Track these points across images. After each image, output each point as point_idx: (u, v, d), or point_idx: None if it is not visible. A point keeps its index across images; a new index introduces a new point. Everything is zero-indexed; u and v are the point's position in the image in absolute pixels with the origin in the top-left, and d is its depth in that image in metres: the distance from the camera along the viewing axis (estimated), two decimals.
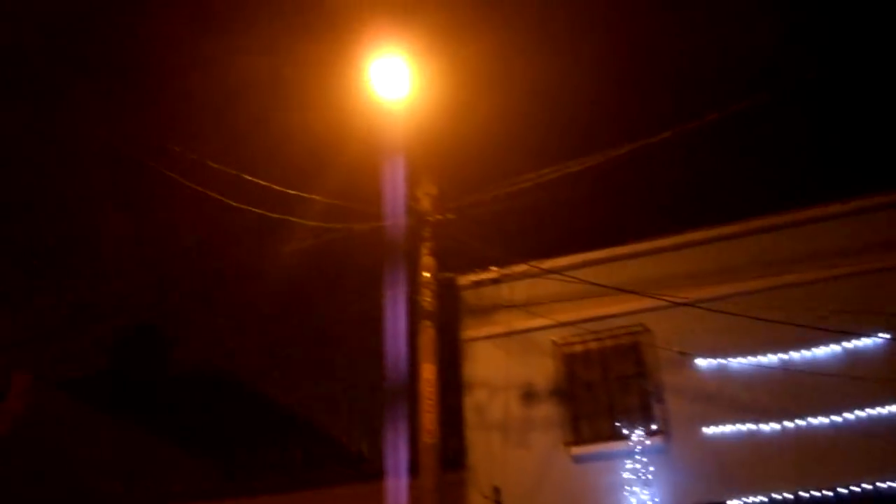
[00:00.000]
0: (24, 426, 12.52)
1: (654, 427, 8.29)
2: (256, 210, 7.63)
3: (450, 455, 8.55)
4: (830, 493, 7.48)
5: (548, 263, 9.21)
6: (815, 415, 7.92)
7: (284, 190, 7.80)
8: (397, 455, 9.13)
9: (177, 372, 18.09)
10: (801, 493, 7.57)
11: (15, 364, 13.22)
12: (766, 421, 8.04)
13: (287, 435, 12.70)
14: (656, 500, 7.85)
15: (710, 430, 8.19)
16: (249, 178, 7.52)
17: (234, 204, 7.52)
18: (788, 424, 7.98)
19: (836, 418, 7.84)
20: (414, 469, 7.70)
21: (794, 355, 8.28)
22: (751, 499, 7.68)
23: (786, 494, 7.62)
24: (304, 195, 7.89)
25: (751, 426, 8.09)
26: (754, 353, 8.38)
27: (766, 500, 7.65)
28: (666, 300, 8.53)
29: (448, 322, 9.55)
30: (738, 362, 8.40)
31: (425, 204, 9.01)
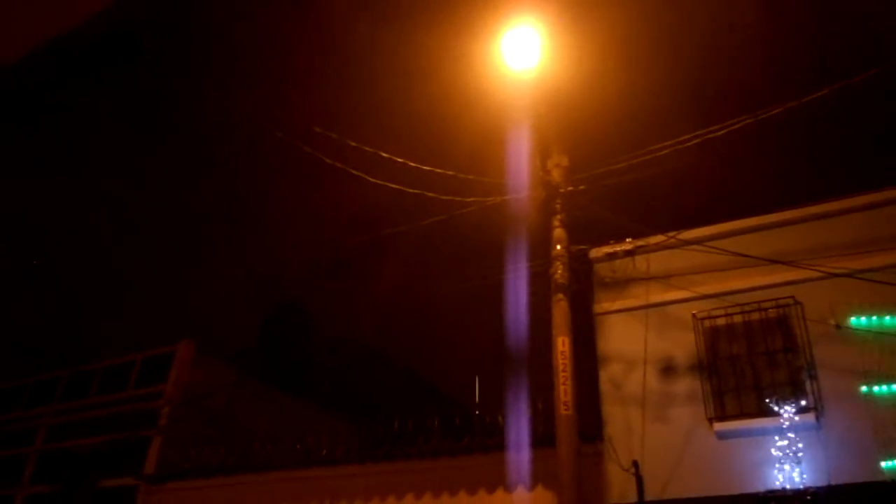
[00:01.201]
0: (190, 392, 13.76)
1: (804, 403, 7.84)
2: (393, 185, 7.88)
3: (586, 428, 8.54)
4: None
5: (687, 234, 8.89)
6: None
7: (419, 166, 8.00)
8: (532, 426, 9.23)
9: (320, 343, 19.15)
10: None
11: (180, 334, 14.50)
12: None
13: (425, 404, 13.13)
14: (806, 477, 7.45)
15: (865, 397, 7.61)
16: (386, 155, 7.76)
17: (373, 180, 7.80)
18: None
19: None
20: (550, 441, 7.75)
21: None
22: None
23: None
24: (437, 170, 8.05)
25: None
26: None
27: None
28: (819, 270, 8.01)
29: (581, 295, 9.47)
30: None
31: (556, 175, 8.93)
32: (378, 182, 7.80)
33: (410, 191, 7.96)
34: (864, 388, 7.71)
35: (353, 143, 7.55)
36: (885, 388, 7.65)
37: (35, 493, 14.42)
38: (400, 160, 7.72)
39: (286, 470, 11.15)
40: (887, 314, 7.87)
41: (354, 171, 7.65)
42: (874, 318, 7.92)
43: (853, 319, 8.00)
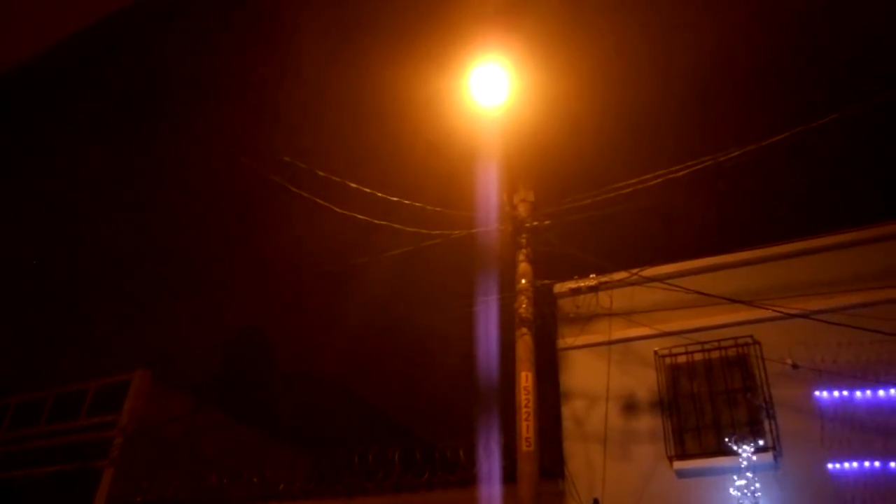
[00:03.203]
0: (145, 423, 13.39)
1: (762, 443, 7.91)
2: (360, 216, 7.85)
3: (547, 464, 8.49)
4: None
5: (650, 271, 8.99)
6: None
7: (386, 196, 8.00)
8: (493, 462, 9.15)
9: (281, 374, 18.84)
10: None
11: (136, 362, 14.15)
12: (892, 455, 7.48)
13: (385, 438, 12.94)
14: None
15: (828, 461, 7.69)
16: (354, 185, 7.75)
17: (340, 210, 7.77)
18: None
19: None
20: (511, 477, 7.67)
21: None
22: None
23: None
24: (404, 201, 8.05)
25: (873, 462, 7.52)
26: (875, 371, 7.83)
27: None
28: (778, 311, 8.14)
29: (544, 330, 9.49)
30: (860, 389, 7.86)
31: (522, 210, 9.01)
32: (345, 213, 7.77)
33: (377, 222, 7.94)
34: (821, 457, 7.75)
35: (322, 173, 7.53)
36: (844, 458, 7.69)
37: None
38: (367, 190, 7.72)
39: None
40: (844, 369, 7.98)
41: (321, 202, 7.61)
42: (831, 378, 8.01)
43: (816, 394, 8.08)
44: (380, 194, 7.80)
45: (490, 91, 8.36)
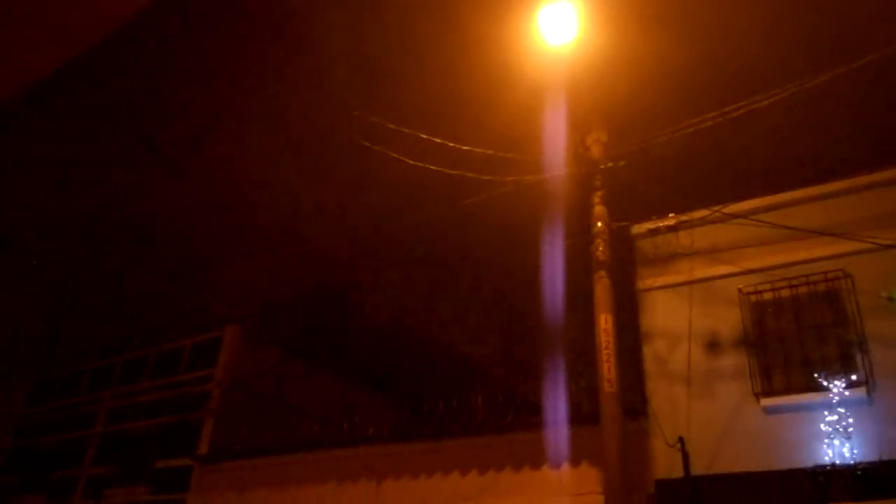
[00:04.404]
0: (239, 376, 14.14)
1: (854, 378, 7.69)
2: (433, 167, 7.92)
3: (630, 405, 8.53)
4: None
5: (731, 208, 8.74)
6: None
7: (457, 146, 8.01)
8: (575, 404, 9.26)
9: (365, 325, 19.39)
10: None
11: (227, 318, 14.87)
12: None
13: (469, 383, 13.24)
14: (856, 453, 7.32)
15: None
16: (426, 136, 7.80)
17: (412, 162, 7.85)
18: None
19: None
20: (595, 418, 7.77)
21: None
22: None
23: None
24: (476, 150, 8.05)
25: None
26: None
27: None
28: (870, 242, 7.81)
29: (624, 272, 9.42)
30: None
31: (595, 151, 8.87)
32: (418, 164, 7.84)
33: (450, 172, 7.99)
34: None
35: (393, 126, 7.60)
36: None
37: (96, 475, 15.04)
38: (438, 140, 7.75)
39: (334, 448, 11.39)
40: None
41: (395, 155, 7.70)
42: None
43: None
44: (451, 144, 7.83)
45: (559, 29, 8.18)
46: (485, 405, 10.26)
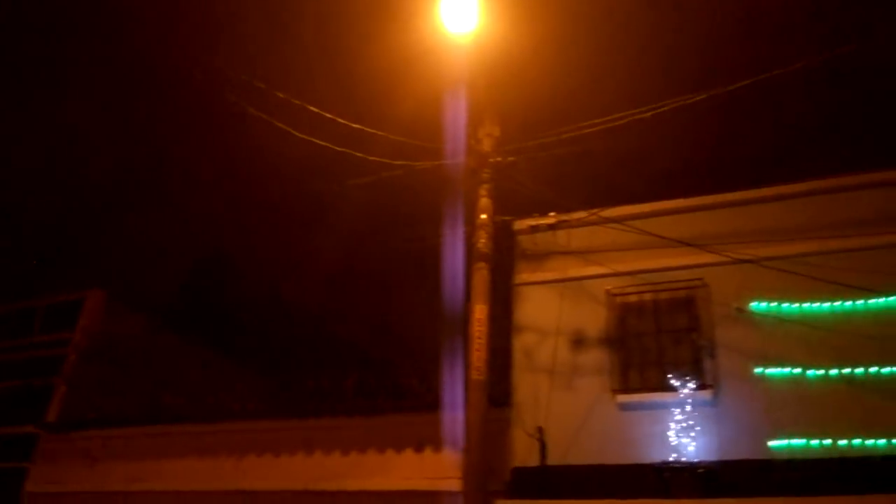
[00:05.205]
0: (100, 342, 13.34)
1: (702, 381, 8.22)
2: (320, 142, 7.73)
3: (496, 394, 8.73)
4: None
5: (608, 212, 9.11)
6: (868, 366, 7.72)
7: (347, 123, 7.87)
8: (448, 390, 9.38)
9: (243, 299, 18.82)
10: (846, 443, 7.47)
11: (89, 282, 13.99)
12: (817, 367, 7.89)
13: (343, 364, 13.13)
14: (699, 451, 7.84)
15: (759, 378, 8.07)
16: (316, 110, 7.60)
17: (299, 135, 7.64)
18: (838, 372, 7.82)
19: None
20: (462, 405, 7.90)
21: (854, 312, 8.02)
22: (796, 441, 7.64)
23: (826, 442, 7.56)
24: (367, 129, 7.94)
25: (798, 370, 7.94)
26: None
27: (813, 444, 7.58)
28: (727, 255, 8.36)
29: (503, 265, 9.61)
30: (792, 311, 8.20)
31: (486, 145, 8.98)
32: (304, 137, 7.63)
33: (338, 149, 7.83)
34: (757, 370, 8.14)
35: (281, 95, 7.35)
36: (777, 370, 8.09)
37: None
38: (329, 115, 7.57)
39: (196, 423, 10.99)
40: (785, 301, 8.30)
41: (280, 125, 7.46)
42: (773, 304, 8.34)
43: (754, 304, 8.41)
44: (341, 120, 7.67)
45: (460, 17, 8.17)
46: (355, 387, 10.22)
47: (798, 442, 7.71)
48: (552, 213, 9.55)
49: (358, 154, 7.92)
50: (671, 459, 7.87)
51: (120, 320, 13.94)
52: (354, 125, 7.88)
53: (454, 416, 8.19)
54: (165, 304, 16.91)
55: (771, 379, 8.10)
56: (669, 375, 8.35)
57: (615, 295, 9.13)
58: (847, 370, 7.83)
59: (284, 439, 10.11)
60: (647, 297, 9.01)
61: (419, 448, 9.18)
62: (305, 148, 8.46)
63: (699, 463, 7.74)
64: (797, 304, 8.23)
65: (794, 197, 8.87)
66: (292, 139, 8.18)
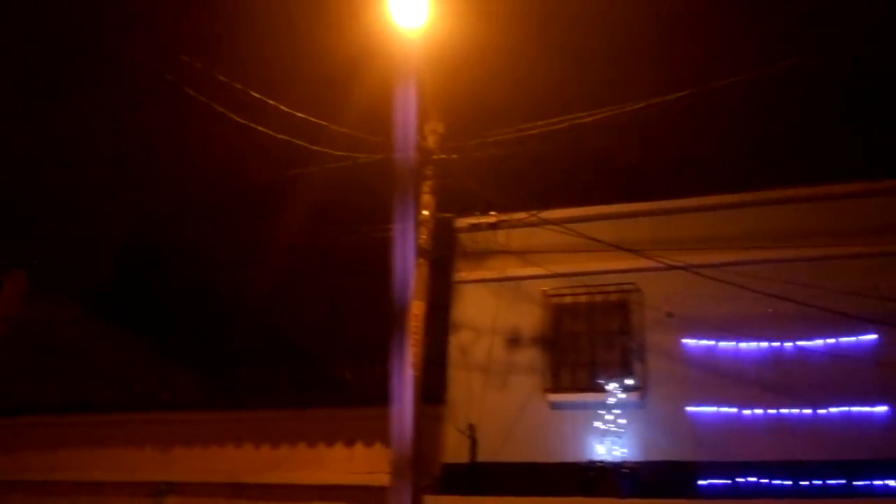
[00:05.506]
0: (21, 328, 12.81)
1: (631, 383, 8.41)
2: (259, 128, 7.60)
3: (430, 390, 8.75)
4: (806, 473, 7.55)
5: (547, 214, 9.23)
6: (797, 402, 7.96)
7: (291, 111, 7.75)
8: (383, 385, 9.34)
9: (175, 288, 18.30)
10: (772, 461, 7.70)
11: (11, 262, 13.40)
12: (747, 403, 8.11)
13: (278, 357, 12.93)
14: (626, 452, 8.02)
15: (688, 404, 8.28)
16: (258, 95, 7.45)
17: (237, 118, 7.48)
18: (769, 411, 8.03)
19: (820, 410, 7.88)
20: (395, 400, 7.88)
21: (786, 345, 8.28)
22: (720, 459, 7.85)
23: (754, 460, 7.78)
24: (310, 118, 7.83)
25: (730, 408, 8.14)
26: (739, 325, 8.39)
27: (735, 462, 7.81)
28: (660, 261, 8.57)
29: (443, 262, 9.64)
30: (724, 340, 8.45)
31: (431, 141, 9.01)
32: (243, 122, 7.47)
33: (279, 136, 7.70)
34: (682, 398, 8.33)
35: (223, 78, 7.18)
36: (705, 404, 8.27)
37: None
38: (271, 102, 7.43)
39: (122, 412, 10.65)
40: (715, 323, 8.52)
41: (217, 107, 7.28)
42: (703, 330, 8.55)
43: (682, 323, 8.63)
44: (283, 108, 7.54)
45: (410, 12, 8.15)
46: (288, 379, 10.10)
47: None
48: (493, 213, 9.64)
49: (298, 142, 7.80)
50: (597, 459, 8.04)
51: (43, 305, 13.40)
52: (298, 114, 7.77)
53: (387, 411, 8.16)
54: (94, 290, 16.32)
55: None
56: (599, 376, 8.52)
57: (551, 296, 9.26)
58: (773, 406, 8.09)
59: (214, 431, 9.88)
60: (583, 299, 9.16)
61: (350, 442, 9.12)
62: (249, 136, 8.30)
63: (623, 463, 7.93)
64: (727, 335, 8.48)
65: (725, 207, 9.16)
66: (234, 126, 8.02)
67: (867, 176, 8.85)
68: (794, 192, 9.00)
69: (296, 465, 9.20)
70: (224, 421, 9.89)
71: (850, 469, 7.42)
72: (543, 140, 8.69)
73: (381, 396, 8.99)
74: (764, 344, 8.30)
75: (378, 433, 8.84)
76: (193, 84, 7.73)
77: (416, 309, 8.29)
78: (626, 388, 8.35)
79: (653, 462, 7.99)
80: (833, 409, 7.83)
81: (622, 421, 8.20)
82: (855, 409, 7.78)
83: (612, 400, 8.27)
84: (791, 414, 7.94)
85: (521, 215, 9.37)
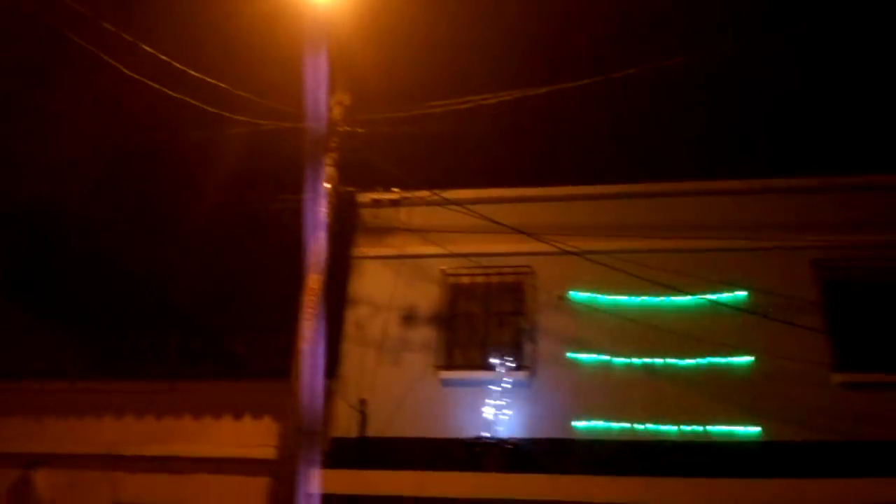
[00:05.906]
0: None
1: (520, 362, 8.64)
2: (152, 84, 7.23)
3: (323, 364, 8.66)
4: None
5: (449, 193, 9.27)
6: (666, 357, 8.51)
7: (186, 70, 7.41)
8: (275, 358, 9.18)
9: (61, 254, 17.30)
10: (642, 427, 8.16)
11: None
12: (622, 355, 8.59)
13: (169, 326, 12.45)
14: (512, 428, 8.24)
15: (570, 363, 8.66)
16: (151, 49, 7.08)
17: (127, 72, 7.08)
18: (641, 362, 8.55)
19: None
20: (287, 373, 7.76)
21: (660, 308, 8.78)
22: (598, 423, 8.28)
23: (624, 425, 8.24)
24: (207, 79, 7.52)
25: (606, 358, 8.60)
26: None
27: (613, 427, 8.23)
28: (554, 245, 8.79)
29: (343, 236, 9.53)
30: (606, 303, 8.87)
31: (336, 113, 8.83)
32: (134, 76, 7.09)
33: (172, 94, 7.35)
34: (570, 355, 8.68)
35: (111, 27, 6.76)
36: (587, 356, 8.68)
37: None
38: (164, 58, 7.07)
39: None
40: (601, 292, 8.90)
41: (108, 59, 6.87)
42: (590, 294, 8.91)
43: (573, 293, 8.95)
44: (178, 65, 7.20)
45: None
46: (177, 350, 9.78)
47: (599, 424, 8.34)
48: (395, 189, 9.61)
49: (193, 102, 7.48)
50: (483, 435, 8.22)
51: None
52: (194, 73, 7.44)
53: (278, 385, 8.03)
54: None
55: (581, 364, 8.69)
56: (491, 355, 8.70)
57: (449, 275, 9.36)
58: (648, 360, 8.56)
59: (92, 401, 9.46)
60: (479, 279, 9.32)
61: (238, 415, 8.95)
62: (146, 95, 7.88)
63: (508, 439, 8.15)
64: (611, 296, 8.87)
65: (620, 197, 9.51)
66: (131, 83, 7.57)
67: (750, 175, 9.37)
68: (684, 185, 9.42)
69: (179, 437, 8.94)
70: (104, 391, 9.49)
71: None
72: (449, 119, 8.72)
73: (271, 370, 8.86)
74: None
75: (268, 407, 8.72)
76: (106, 50, 7.22)
77: (313, 282, 8.16)
78: (515, 367, 8.56)
79: (536, 439, 8.25)
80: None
81: (510, 398, 8.42)
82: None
83: (501, 378, 8.46)
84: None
85: (424, 194, 9.39)
